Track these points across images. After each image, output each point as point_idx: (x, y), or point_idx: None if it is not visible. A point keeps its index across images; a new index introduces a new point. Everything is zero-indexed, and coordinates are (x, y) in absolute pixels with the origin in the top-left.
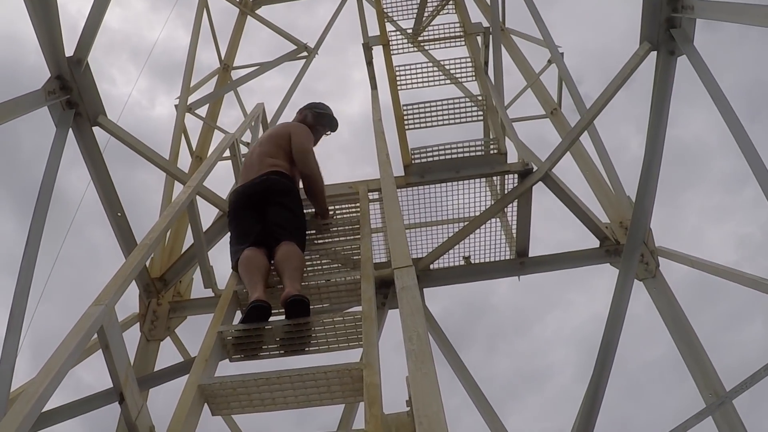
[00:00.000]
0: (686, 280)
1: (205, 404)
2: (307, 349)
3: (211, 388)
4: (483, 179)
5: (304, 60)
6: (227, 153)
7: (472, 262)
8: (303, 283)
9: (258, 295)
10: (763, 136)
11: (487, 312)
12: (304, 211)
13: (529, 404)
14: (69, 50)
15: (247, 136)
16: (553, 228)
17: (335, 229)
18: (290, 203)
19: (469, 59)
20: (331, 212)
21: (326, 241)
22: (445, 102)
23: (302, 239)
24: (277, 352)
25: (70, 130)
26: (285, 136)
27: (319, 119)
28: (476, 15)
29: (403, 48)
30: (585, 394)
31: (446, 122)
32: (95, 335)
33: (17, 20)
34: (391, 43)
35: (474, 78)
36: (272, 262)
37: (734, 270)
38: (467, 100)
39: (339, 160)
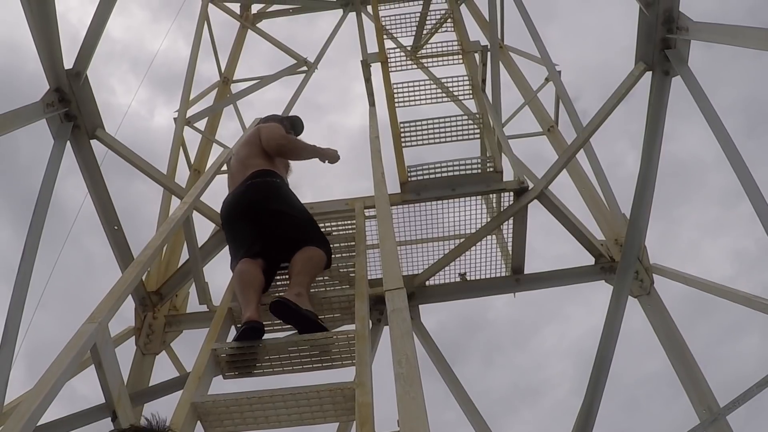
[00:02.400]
0: (682, 295)
1: (198, 422)
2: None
3: (204, 407)
4: (479, 196)
5: (304, 74)
6: (225, 167)
7: (468, 278)
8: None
9: (251, 314)
10: (759, 152)
11: (484, 326)
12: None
13: (526, 418)
14: (69, 62)
15: None
16: (551, 242)
17: (331, 245)
18: (286, 207)
19: (466, 77)
20: (328, 228)
21: None
22: (442, 120)
23: (317, 236)
24: (271, 369)
25: (68, 142)
26: (256, 135)
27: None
28: (475, 31)
29: (401, 65)
30: (579, 410)
31: (443, 140)
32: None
33: (17, 26)
34: (389, 60)
35: (471, 96)
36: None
37: (728, 288)
38: (464, 117)
39: (336, 174)
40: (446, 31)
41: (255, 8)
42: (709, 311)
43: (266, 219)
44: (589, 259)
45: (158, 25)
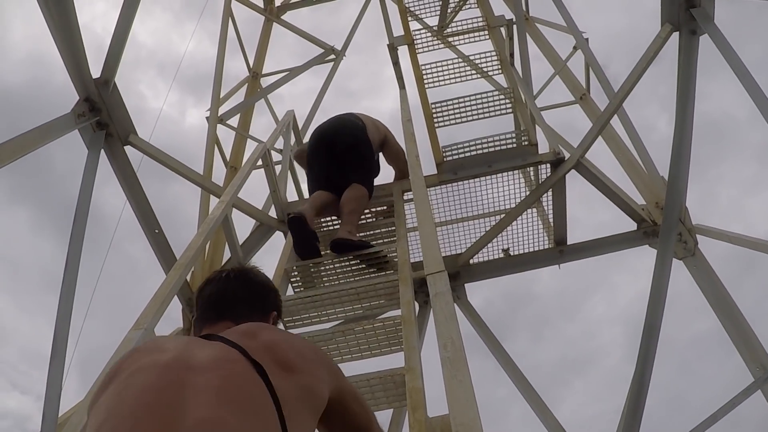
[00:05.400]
0: (728, 254)
1: None
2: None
3: None
4: (516, 171)
5: (333, 63)
6: (260, 162)
7: (512, 254)
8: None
9: (302, 209)
10: None
11: (532, 300)
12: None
13: (581, 389)
14: (97, 71)
15: (279, 144)
16: (592, 210)
17: (371, 232)
18: (361, 150)
19: (494, 52)
20: (367, 214)
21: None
22: (473, 97)
23: (367, 179)
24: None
25: (102, 150)
26: (382, 128)
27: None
28: (500, 6)
29: (428, 45)
30: (633, 377)
31: (475, 117)
32: None
33: (43, 40)
34: (416, 41)
35: (500, 71)
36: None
37: None
38: (495, 93)
39: None
40: (470, 7)
41: (278, 0)
42: (756, 268)
43: (340, 156)
44: (631, 225)
45: (182, 27)
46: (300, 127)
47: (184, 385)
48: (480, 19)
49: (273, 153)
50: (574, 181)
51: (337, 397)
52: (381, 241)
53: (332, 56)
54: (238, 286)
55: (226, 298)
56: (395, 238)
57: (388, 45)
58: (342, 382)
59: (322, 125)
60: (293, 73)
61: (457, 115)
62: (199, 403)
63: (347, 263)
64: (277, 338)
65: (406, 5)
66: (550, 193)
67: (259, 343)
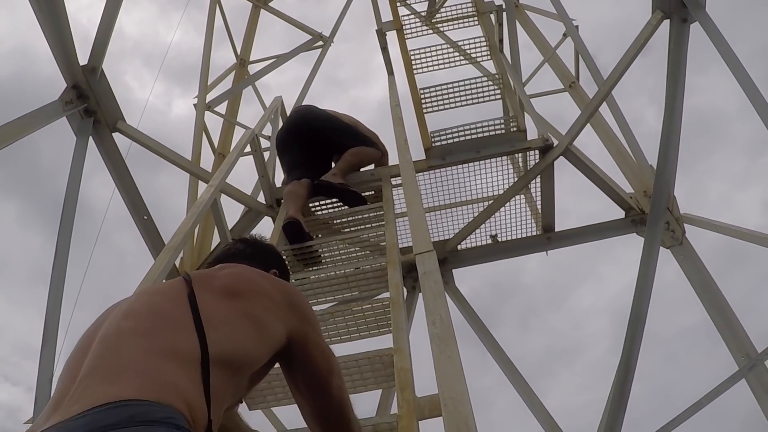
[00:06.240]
0: (715, 246)
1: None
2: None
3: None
4: (505, 157)
5: (320, 50)
6: (248, 148)
7: (499, 240)
8: (337, 268)
9: (289, 214)
10: None
11: (519, 290)
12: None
13: (567, 379)
14: (83, 59)
15: (267, 130)
16: (581, 201)
17: (360, 216)
18: (327, 123)
19: (483, 39)
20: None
21: (352, 229)
22: (462, 83)
23: (364, 139)
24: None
25: (90, 138)
26: (346, 118)
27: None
28: None
29: (417, 31)
30: (618, 367)
31: (464, 103)
32: None
33: (29, 33)
34: (404, 27)
35: (489, 57)
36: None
37: (760, 233)
38: (484, 79)
39: None
40: None
41: None
42: (742, 260)
43: (309, 135)
44: (619, 215)
45: (168, 18)
46: (288, 113)
47: (107, 318)
48: (469, 5)
49: (261, 139)
50: (563, 172)
51: (300, 342)
52: (369, 225)
53: (320, 43)
54: (245, 246)
55: (231, 253)
56: (383, 223)
57: (376, 30)
58: (309, 329)
59: (289, 116)
60: (281, 59)
61: (446, 101)
62: (107, 323)
63: (337, 250)
64: (236, 271)
65: None
66: (538, 179)
67: (217, 273)
